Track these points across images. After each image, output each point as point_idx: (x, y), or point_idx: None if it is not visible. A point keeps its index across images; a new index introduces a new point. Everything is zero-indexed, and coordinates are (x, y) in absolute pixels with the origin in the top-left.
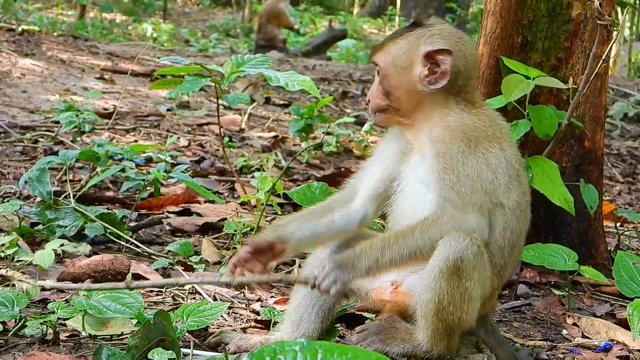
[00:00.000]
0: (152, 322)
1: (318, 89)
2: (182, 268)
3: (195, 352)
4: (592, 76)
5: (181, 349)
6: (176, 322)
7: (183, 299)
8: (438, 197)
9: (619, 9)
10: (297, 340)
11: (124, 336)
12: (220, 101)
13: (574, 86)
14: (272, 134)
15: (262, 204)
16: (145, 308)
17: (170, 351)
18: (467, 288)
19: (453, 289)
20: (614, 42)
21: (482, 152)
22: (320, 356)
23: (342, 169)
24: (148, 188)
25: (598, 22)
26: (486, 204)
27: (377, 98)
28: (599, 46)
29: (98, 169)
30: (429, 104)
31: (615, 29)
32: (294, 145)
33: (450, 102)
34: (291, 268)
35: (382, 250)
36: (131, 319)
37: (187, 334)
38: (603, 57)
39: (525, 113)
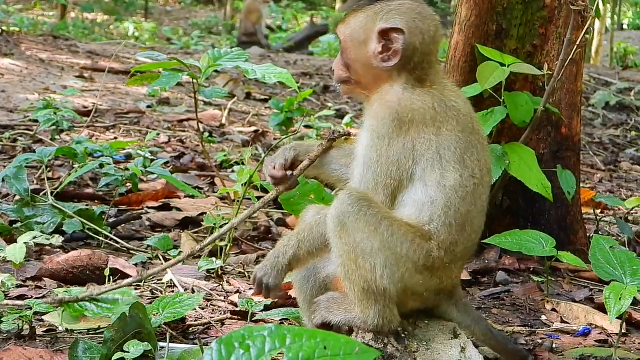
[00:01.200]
0: (128, 315)
1: (298, 83)
2: (161, 263)
3: (172, 345)
4: (567, 62)
5: (158, 342)
6: (153, 314)
7: (161, 292)
8: (359, 175)
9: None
10: (265, 325)
11: (101, 330)
12: (200, 97)
13: (549, 72)
14: (253, 128)
15: (240, 197)
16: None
17: (146, 343)
18: (358, 241)
19: (347, 245)
20: (587, 28)
21: (411, 136)
22: (289, 341)
23: None
24: (127, 184)
25: (572, 7)
26: (398, 188)
27: (339, 69)
28: (574, 32)
29: (76, 166)
30: (384, 79)
31: (589, 14)
32: (275, 139)
33: (400, 79)
34: None
35: (299, 243)
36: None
37: (164, 326)
38: (578, 43)
39: (501, 100)
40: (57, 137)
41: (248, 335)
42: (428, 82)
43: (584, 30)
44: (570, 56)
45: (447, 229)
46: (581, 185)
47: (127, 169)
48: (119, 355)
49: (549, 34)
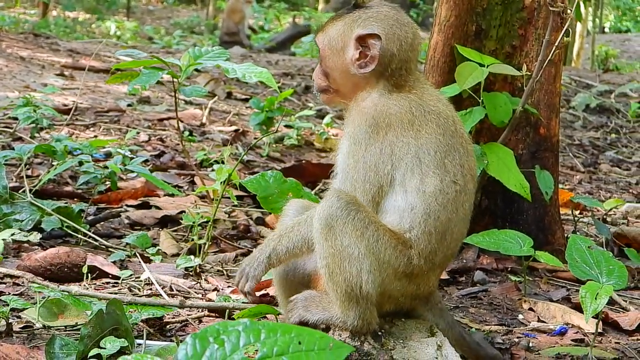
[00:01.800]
0: (105, 311)
1: (279, 83)
2: (140, 260)
3: (149, 341)
4: (546, 63)
5: (135, 338)
6: (131, 311)
7: (139, 289)
8: (338, 182)
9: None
10: (240, 320)
11: (78, 327)
12: (181, 96)
13: (527, 73)
14: (233, 127)
15: (219, 195)
16: (101, 299)
17: (123, 339)
18: (345, 245)
19: (333, 248)
20: (566, 29)
21: (389, 140)
22: (264, 336)
23: (303, 162)
24: (107, 182)
25: (551, 9)
26: (379, 194)
27: (319, 78)
28: (552, 33)
29: (55, 164)
30: (362, 86)
31: (567, 15)
32: (255, 138)
33: (378, 85)
34: None
35: (279, 239)
36: (86, 310)
37: (141, 323)
38: (556, 44)
39: (480, 100)
40: (37, 134)
41: (223, 330)
42: (407, 88)
43: (563, 32)
44: (549, 57)
45: (427, 237)
46: (560, 186)
47: (106, 167)
48: (95, 351)
49: (528, 35)
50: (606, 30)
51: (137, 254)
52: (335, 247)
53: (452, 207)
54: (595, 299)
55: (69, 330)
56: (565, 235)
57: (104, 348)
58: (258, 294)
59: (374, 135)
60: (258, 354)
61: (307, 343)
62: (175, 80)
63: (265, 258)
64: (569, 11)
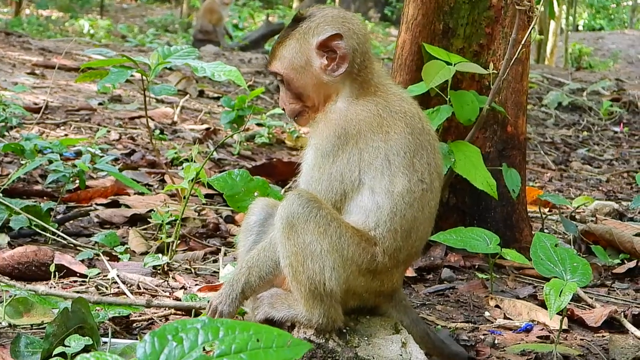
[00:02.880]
0: (70, 310)
1: (250, 81)
2: (108, 259)
3: (114, 340)
4: (512, 61)
5: (101, 337)
6: (97, 309)
7: (107, 288)
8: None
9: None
10: (198, 318)
11: (44, 325)
12: (153, 95)
13: (494, 71)
14: (205, 126)
15: (187, 193)
16: (67, 298)
17: (88, 338)
18: (307, 242)
19: (295, 246)
20: (532, 27)
21: (358, 148)
22: (222, 333)
23: (274, 160)
24: (76, 181)
25: (517, 7)
26: (342, 200)
27: (290, 104)
28: (519, 31)
29: (24, 162)
30: (331, 93)
31: (534, 14)
32: (228, 137)
33: (345, 88)
34: (217, 256)
35: (249, 270)
36: (52, 308)
37: (107, 321)
38: (523, 42)
39: (447, 99)
40: (6, 133)
41: (181, 328)
42: (372, 86)
43: (529, 30)
44: (516, 55)
45: (392, 235)
46: (531, 184)
47: (74, 166)
48: (60, 349)
49: (495, 34)
50: (580, 28)
51: (104, 253)
52: (298, 245)
53: (419, 205)
54: (560, 296)
55: (35, 329)
56: (533, 232)
57: (69, 346)
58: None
59: (343, 146)
60: (216, 352)
61: (265, 340)
62: (144, 78)
63: (239, 294)
64: (535, 9)
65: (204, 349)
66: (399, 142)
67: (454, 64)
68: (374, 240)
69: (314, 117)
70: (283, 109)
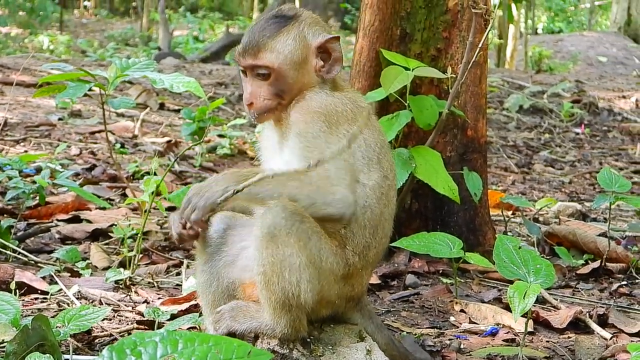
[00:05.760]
0: (30, 327)
1: (211, 92)
2: (69, 275)
3: (76, 356)
4: (470, 65)
5: (63, 354)
6: (57, 326)
7: (68, 304)
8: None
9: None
10: (157, 331)
11: (4, 344)
12: (112, 108)
13: (453, 75)
14: (166, 139)
15: (148, 206)
16: (29, 315)
17: (49, 355)
18: (286, 255)
19: (273, 257)
20: (489, 31)
21: (342, 134)
22: (181, 346)
23: None
24: (36, 197)
25: (473, 10)
26: (353, 182)
27: (265, 100)
28: (476, 35)
29: None
30: (308, 89)
31: (490, 17)
32: (188, 149)
33: (323, 85)
34: (180, 269)
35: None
36: (13, 327)
37: (69, 338)
38: (480, 46)
39: (406, 104)
40: None
41: (140, 342)
42: (340, 86)
43: (486, 33)
44: (473, 59)
45: (361, 231)
46: (494, 187)
47: (35, 182)
48: None
49: (453, 38)
50: (539, 31)
51: (62, 270)
52: (276, 256)
53: (385, 200)
54: (524, 298)
55: None
56: (497, 236)
57: None
58: (179, 307)
59: (328, 129)
60: None
61: (225, 352)
62: (103, 92)
63: (221, 197)
64: (492, 12)
65: None
66: (372, 135)
67: (412, 69)
68: (344, 240)
69: (278, 114)
70: (249, 104)
